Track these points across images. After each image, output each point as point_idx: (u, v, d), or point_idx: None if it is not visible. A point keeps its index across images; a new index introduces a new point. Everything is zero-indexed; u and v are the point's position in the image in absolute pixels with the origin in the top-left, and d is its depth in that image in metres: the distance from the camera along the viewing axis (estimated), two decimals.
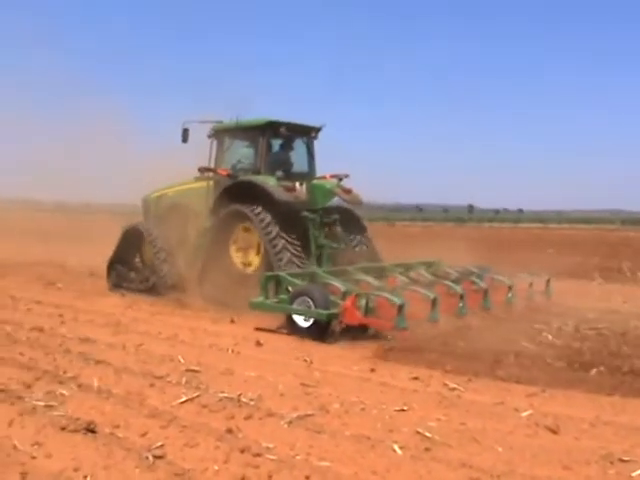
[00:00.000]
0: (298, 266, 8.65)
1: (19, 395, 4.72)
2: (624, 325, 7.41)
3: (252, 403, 4.60)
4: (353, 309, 6.80)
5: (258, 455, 3.63)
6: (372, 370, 5.69)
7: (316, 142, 10.46)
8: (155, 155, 15.11)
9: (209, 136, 10.34)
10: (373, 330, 7.02)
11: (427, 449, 3.78)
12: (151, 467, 3.48)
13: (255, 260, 9.22)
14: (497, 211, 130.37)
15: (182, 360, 5.87)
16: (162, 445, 3.77)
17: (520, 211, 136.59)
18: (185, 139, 10.36)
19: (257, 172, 9.57)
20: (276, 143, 10.15)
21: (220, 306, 8.72)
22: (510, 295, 8.58)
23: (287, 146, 10.20)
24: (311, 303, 7.06)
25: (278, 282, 7.73)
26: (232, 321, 8.01)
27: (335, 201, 9.90)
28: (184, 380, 5.20)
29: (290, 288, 7.54)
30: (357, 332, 6.97)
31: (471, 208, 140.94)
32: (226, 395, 4.75)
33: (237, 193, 9.32)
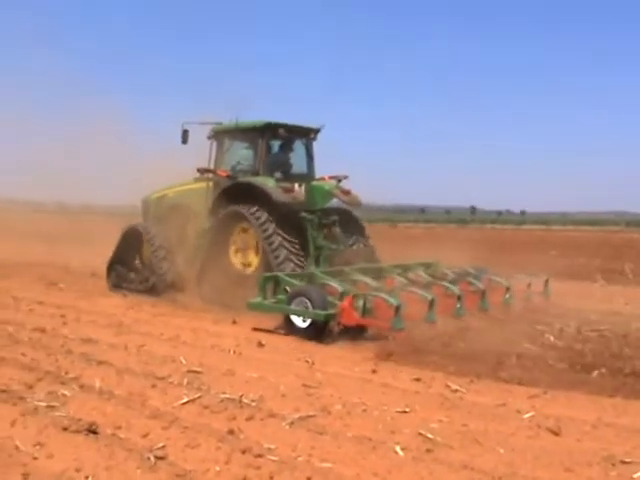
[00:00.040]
0: (296, 264, 8.66)
1: (21, 396, 4.73)
2: (626, 327, 7.38)
3: (254, 404, 4.60)
4: (350, 310, 6.81)
5: (259, 456, 3.63)
6: (374, 371, 5.69)
7: (315, 143, 10.47)
8: (155, 156, 15.10)
9: (209, 137, 10.36)
10: (373, 331, 7.01)
11: (429, 450, 3.77)
12: (153, 468, 3.49)
13: (254, 260, 9.23)
14: (500, 213, 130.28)
15: (184, 361, 5.87)
16: (164, 446, 3.77)
17: (523, 213, 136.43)
18: (185, 140, 10.37)
19: (256, 173, 9.59)
20: (275, 144, 10.16)
21: (220, 307, 8.73)
22: (508, 296, 8.56)
23: (286, 147, 10.21)
24: (309, 304, 7.07)
25: (276, 282, 7.74)
26: (234, 322, 8.02)
27: (334, 202, 9.89)
28: (186, 381, 5.20)
29: (288, 288, 7.55)
30: (356, 333, 6.97)
31: (473, 210, 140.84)
32: (228, 396, 4.75)
33: (236, 194, 9.33)
